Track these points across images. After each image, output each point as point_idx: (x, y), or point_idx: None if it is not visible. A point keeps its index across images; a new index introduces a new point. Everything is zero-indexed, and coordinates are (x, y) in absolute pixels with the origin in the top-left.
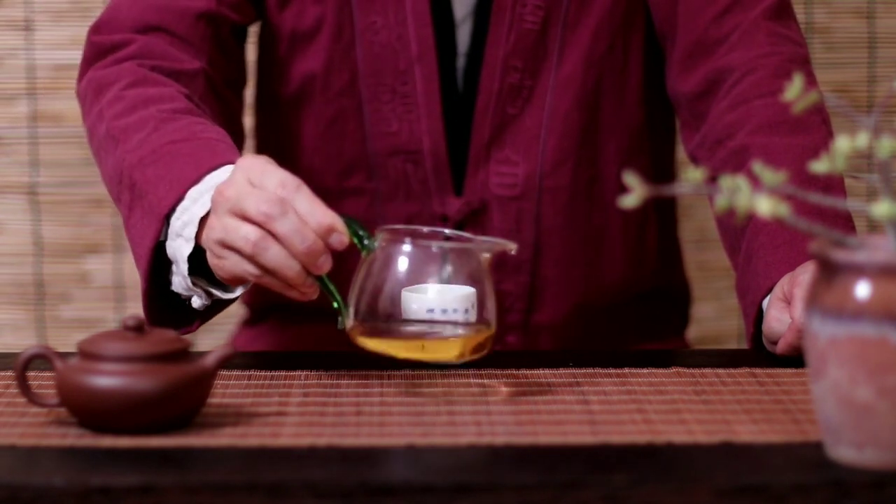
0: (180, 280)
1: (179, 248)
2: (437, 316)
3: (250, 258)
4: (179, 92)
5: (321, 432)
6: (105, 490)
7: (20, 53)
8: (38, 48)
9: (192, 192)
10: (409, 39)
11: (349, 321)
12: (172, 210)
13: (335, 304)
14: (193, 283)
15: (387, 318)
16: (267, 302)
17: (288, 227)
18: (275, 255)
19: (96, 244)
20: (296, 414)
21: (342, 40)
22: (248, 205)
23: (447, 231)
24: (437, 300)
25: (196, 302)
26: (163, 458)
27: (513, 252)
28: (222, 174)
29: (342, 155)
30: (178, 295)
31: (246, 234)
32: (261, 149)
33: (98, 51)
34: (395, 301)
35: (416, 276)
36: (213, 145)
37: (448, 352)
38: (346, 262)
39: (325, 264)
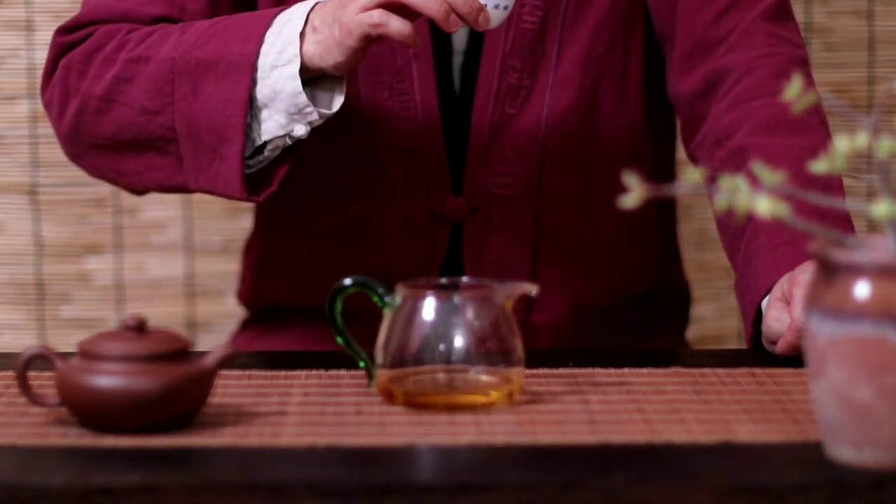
0: (274, 124)
1: (280, 75)
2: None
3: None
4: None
5: (321, 432)
6: (105, 490)
7: (21, 53)
8: (38, 48)
9: (269, 36)
10: None
11: (377, 378)
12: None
13: (361, 364)
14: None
15: (415, 373)
16: (267, 303)
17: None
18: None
19: (97, 244)
20: (296, 414)
21: None
22: None
23: (465, 279)
24: None
25: (300, 130)
26: (163, 457)
27: (533, 294)
28: (292, 10)
29: (340, 154)
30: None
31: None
32: None
33: (66, 47)
34: (422, 355)
35: (440, 325)
36: (258, 10)
37: (482, 401)
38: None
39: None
